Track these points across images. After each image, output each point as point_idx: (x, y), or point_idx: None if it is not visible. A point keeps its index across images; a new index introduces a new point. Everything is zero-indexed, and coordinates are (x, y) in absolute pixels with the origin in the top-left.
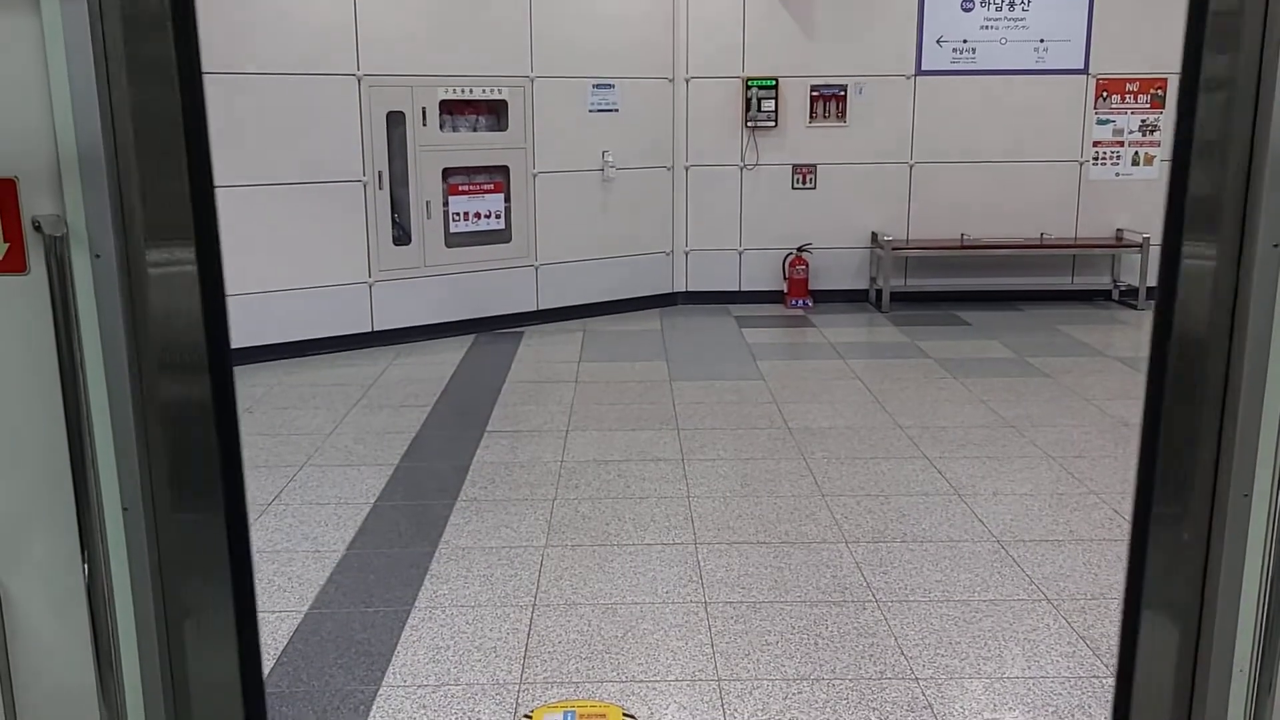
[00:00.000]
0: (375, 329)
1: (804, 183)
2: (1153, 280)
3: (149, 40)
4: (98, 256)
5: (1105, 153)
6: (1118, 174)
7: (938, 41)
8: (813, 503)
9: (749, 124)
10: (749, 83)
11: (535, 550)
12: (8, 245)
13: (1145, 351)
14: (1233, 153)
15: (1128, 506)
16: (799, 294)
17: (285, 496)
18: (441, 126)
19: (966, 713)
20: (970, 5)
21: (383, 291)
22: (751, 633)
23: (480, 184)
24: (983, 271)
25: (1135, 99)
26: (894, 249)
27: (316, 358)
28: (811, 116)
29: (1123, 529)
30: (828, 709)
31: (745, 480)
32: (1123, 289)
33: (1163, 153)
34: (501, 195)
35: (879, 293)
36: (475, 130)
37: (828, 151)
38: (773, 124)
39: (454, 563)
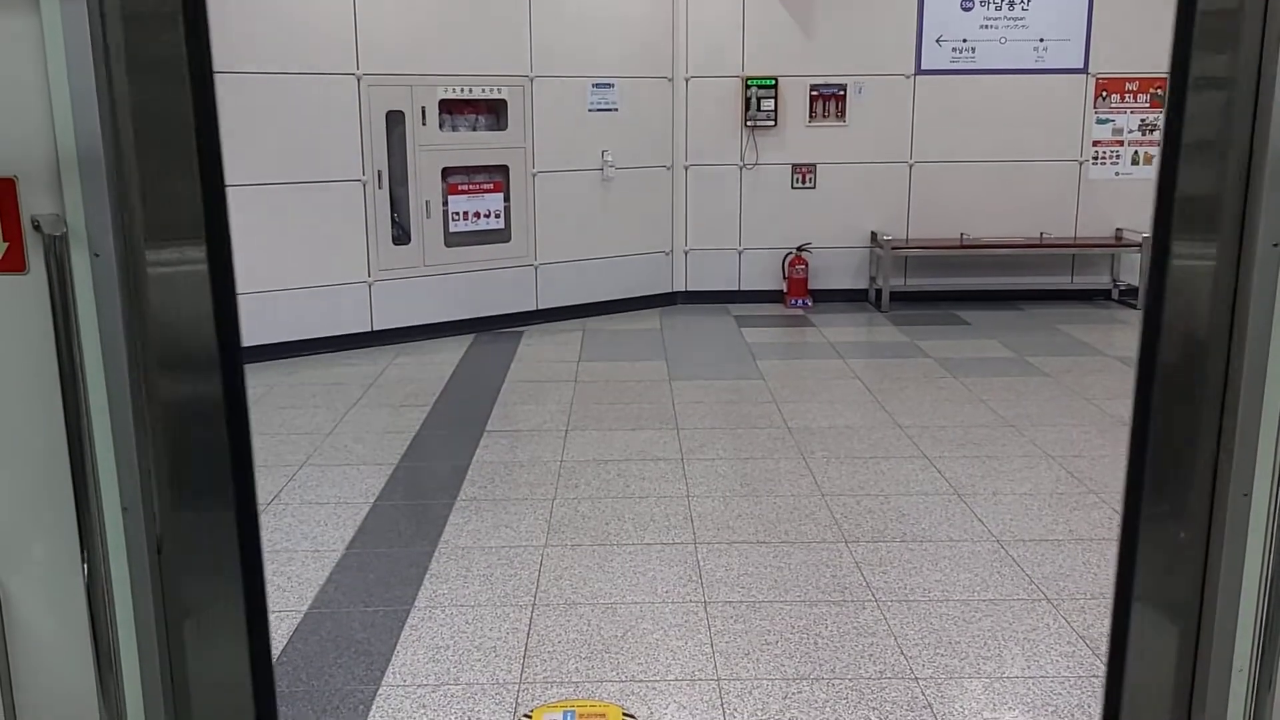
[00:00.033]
0: (374, 328)
1: (803, 182)
2: None
3: (160, 38)
4: (97, 256)
5: (1105, 152)
6: (1117, 173)
7: (937, 41)
8: (812, 502)
9: (748, 123)
10: (748, 82)
11: (535, 550)
12: (7, 245)
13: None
14: (1228, 152)
15: None
16: (798, 294)
17: (284, 496)
18: (441, 126)
19: (966, 712)
20: (970, 4)
21: (382, 291)
22: (751, 632)
23: (480, 183)
24: (982, 271)
25: (1135, 98)
26: (894, 248)
27: (316, 357)
28: (811, 116)
29: None
30: (827, 708)
31: (745, 480)
32: (1122, 288)
33: None
34: (501, 195)
35: (879, 292)
36: (475, 130)
37: (827, 151)
38: (772, 123)
39: (453, 562)
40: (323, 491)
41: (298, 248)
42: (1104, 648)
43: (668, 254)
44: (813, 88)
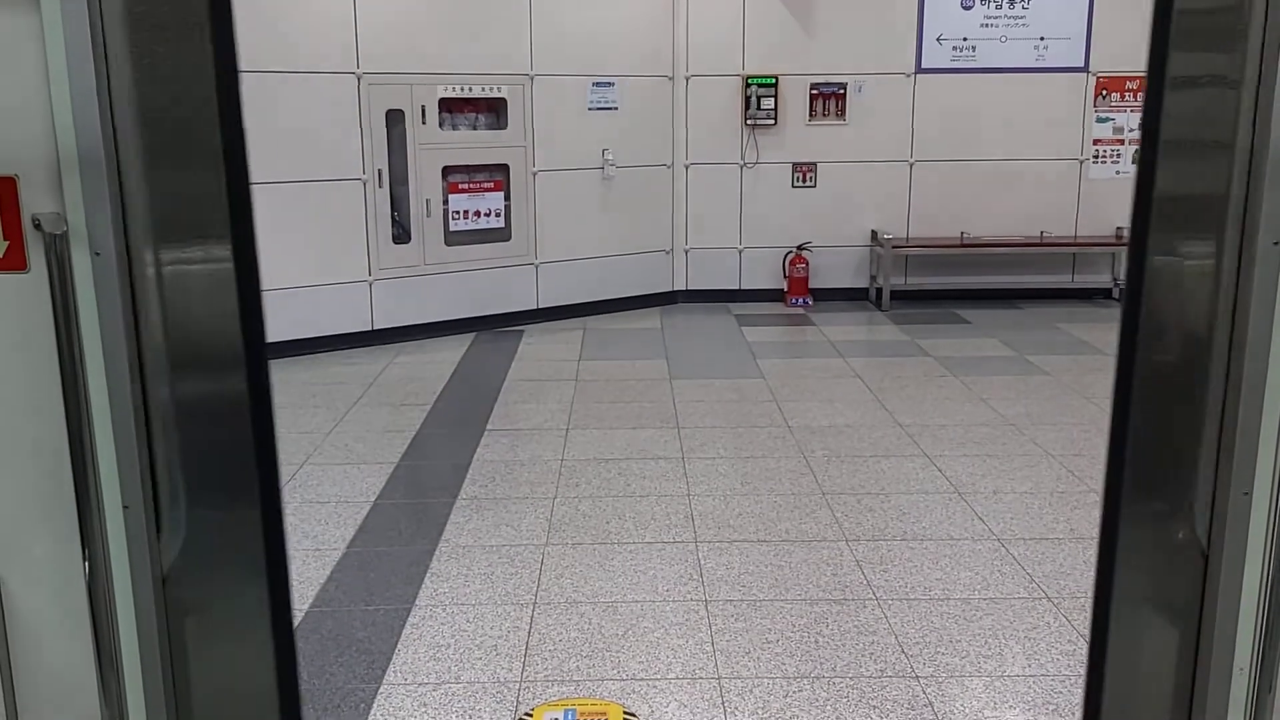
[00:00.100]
0: (375, 327)
1: (804, 181)
2: None
3: (188, 38)
4: (98, 254)
5: (1105, 151)
6: (1118, 172)
7: (938, 39)
8: (813, 501)
9: (749, 122)
10: (749, 81)
11: (536, 548)
12: (8, 243)
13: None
14: (1211, 150)
15: None
16: (799, 292)
17: (285, 495)
18: (441, 125)
19: (967, 711)
20: (970, 3)
21: (382, 290)
22: (752, 631)
23: (480, 182)
24: (983, 270)
25: (1135, 97)
26: (894, 247)
27: (316, 356)
28: (811, 115)
29: None
30: (828, 707)
31: (745, 479)
32: (1123, 287)
33: None
34: (501, 193)
35: (879, 291)
36: (475, 128)
37: (828, 150)
38: (772, 122)
39: (454, 561)
40: (323, 490)
41: (298, 247)
42: None
43: (668, 253)
44: (813, 86)
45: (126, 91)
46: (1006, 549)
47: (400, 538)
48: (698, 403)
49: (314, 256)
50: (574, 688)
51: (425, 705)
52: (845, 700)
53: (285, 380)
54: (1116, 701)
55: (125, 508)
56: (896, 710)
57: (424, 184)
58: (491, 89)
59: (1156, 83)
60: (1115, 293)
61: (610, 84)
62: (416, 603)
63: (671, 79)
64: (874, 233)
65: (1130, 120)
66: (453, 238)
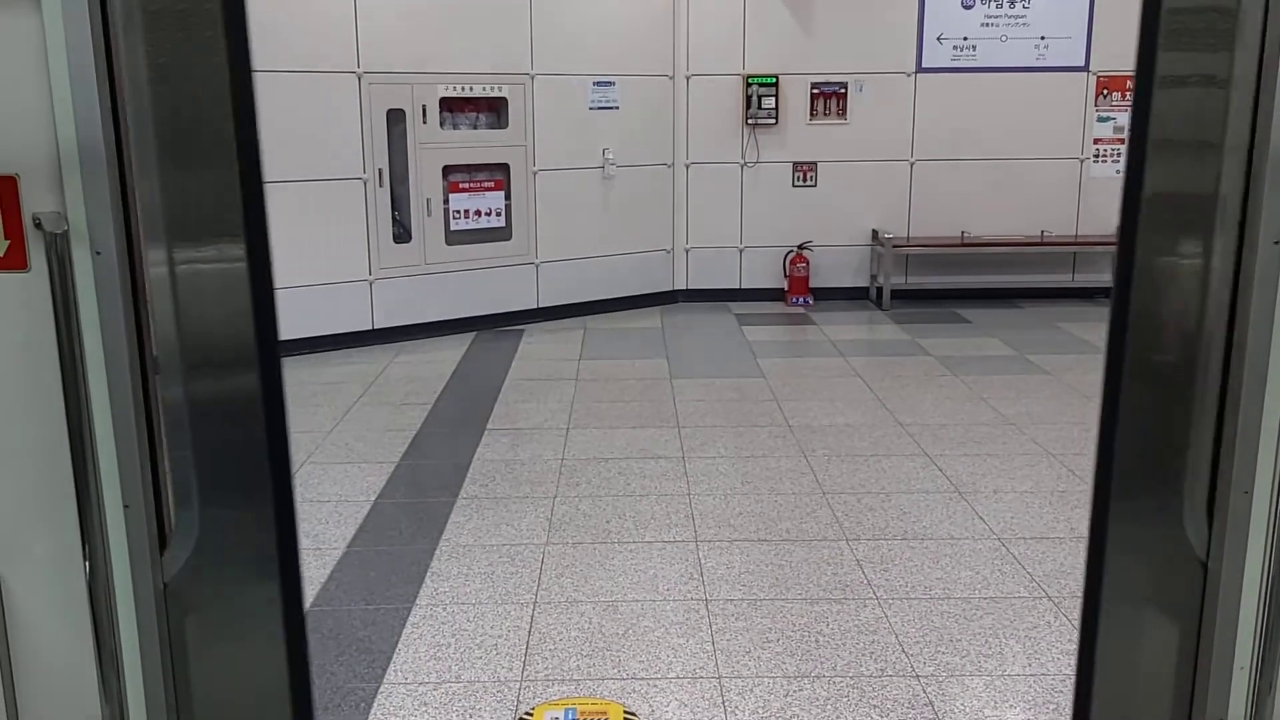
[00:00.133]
0: (375, 327)
1: (804, 180)
2: None
3: (204, 35)
4: (98, 254)
5: (1106, 150)
6: (1118, 171)
7: (938, 39)
8: (813, 500)
9: (749, 121)
10: (749, 80)
11: (536, 548)
12: (8, 242)
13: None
14: (1202, 149)
15: None
16: (800, 292)
17: None
18: (442, 124)
19: (967, 710)
20: (971, 2)
21: (383, 289)
22: (752, 630)
23: (480, 181)
24: (983, 269)
25: None
26: (895, 246)
27: (316, 355)
28: (812, 114)
29: None
30: (828, 706)
31: (746, 478)
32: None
33: None
34: (502, 193)
35: (879, 290)
36: (475, 128)
37: (828, 149)
38: (773, 121)
39: (455, 560)
40: (324, 489)
41: (298, 246)
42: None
43: (668, 252)
44: (814, 86)
45: (140, 89)
46: (1007, 548)
47: (401, 537)
48: (698, 402)
49: (315, 256)
50: (574, 687)
51: (425, 704)
52: (845, 699)
53: (286, 379)
54: (1105, 702)
55: (126, 507)
56: (897, 709)
57: (424, 183)
58: (492, 88)
59: (1145, 82)
60: None
61: (611, 83)
62: (417, 602)
63: (672, 78)
64: (874, 232)
65: None
66: (453, 237)
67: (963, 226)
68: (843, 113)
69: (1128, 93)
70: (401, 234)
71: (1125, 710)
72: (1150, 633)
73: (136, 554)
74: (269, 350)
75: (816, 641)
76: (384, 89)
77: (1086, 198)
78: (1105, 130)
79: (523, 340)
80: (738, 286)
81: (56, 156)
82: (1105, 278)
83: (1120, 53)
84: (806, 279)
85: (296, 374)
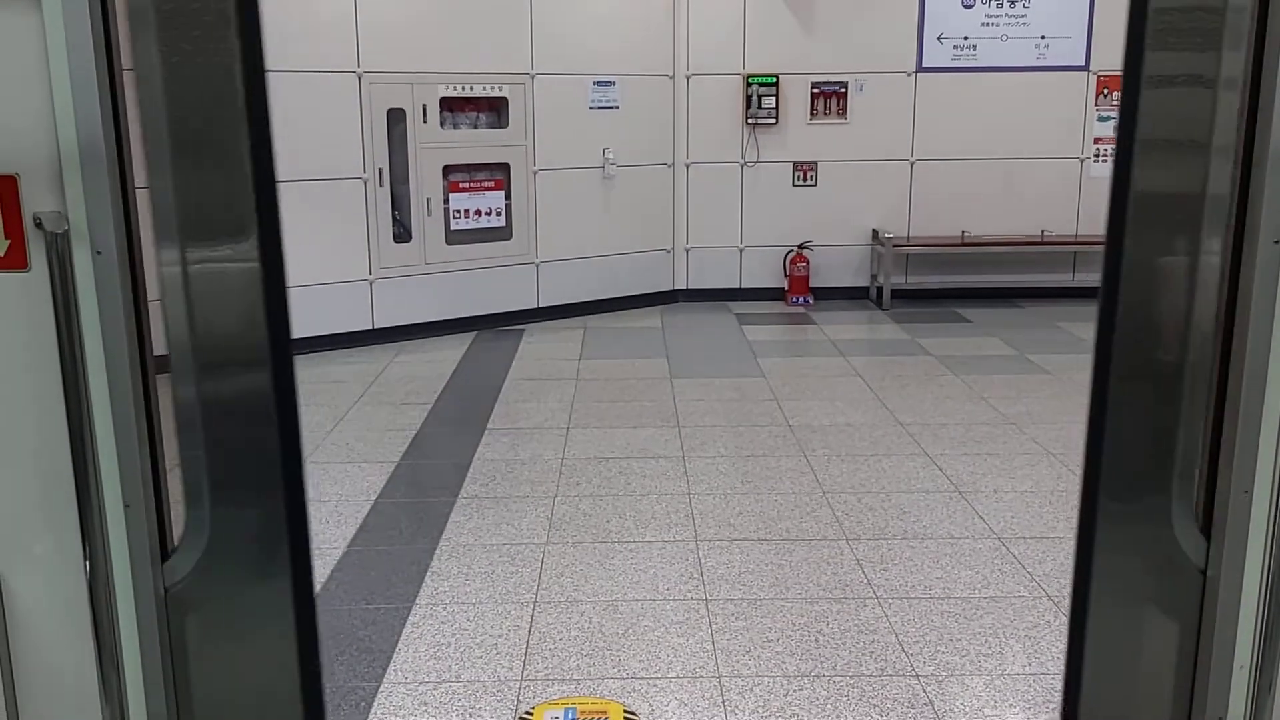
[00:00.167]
0: (376, 326)
1: (805, 180)
2: None
3: (217, 36)
4: (99, 253)
5: (1106, 149)
6: None
7: (938, 38)
8: (813, 500)
9: (750, 121)
10: (749, 79)
11: (536, 547)
12: (9, 242)
13: None
14: (1190, 148)
15: None
16: (800, 291)
17: None
18: (442, 124)
19: (967, 709)
20: (971, 2)
21: (383, 289)
22: (752, 630)
23: (481, 181)
24: (983, 268)
25: None
26: (895, 246)
27: (316, 355)
28: (812, 113)
29: None
30: (828, 706)
31: (746, 477)
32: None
33: None
34: (502, 192)
35: (880, 290)
36: (476, 127)
37: (828, 148)
38: (773, 121)
39: (455, 560)
40: (324, 489)
41: (298, 246)
42: None
43: (669, 252)
44: (814, 85)
45: (154, 89)
46: (1007, 547)
47: (401, 536)
48: (698, 401)
49: (315, 255)
50: (574, 686)
51: (425, 704)
52: (845, 699)
53: None
54: (1094, 701)
55: (126, 506)
56: (897, 709)
57: (425, 183)
58: (492, 88)
59: (1132, 82)
60: None
61: (611, 83)
62: (417, 601)
63: (672, 78)
64: (875, 231)
65: None
66: (453, 237)
67: (963, 226)
68: (843, 112)
69: None
70: (402, 234)
71: (1120, 710)
72: (1139, 632)
73: (137, 553)
74: (282, 349)
75: (816, 641)
76: (384, 88)
77: (1087, 197)
78: (1105, 130)
79: (523, 340)
80: (738, 286)
81: (57, 156)
82: None
83: (1120, 52)
84: (807, 278)
85: (297, 373)
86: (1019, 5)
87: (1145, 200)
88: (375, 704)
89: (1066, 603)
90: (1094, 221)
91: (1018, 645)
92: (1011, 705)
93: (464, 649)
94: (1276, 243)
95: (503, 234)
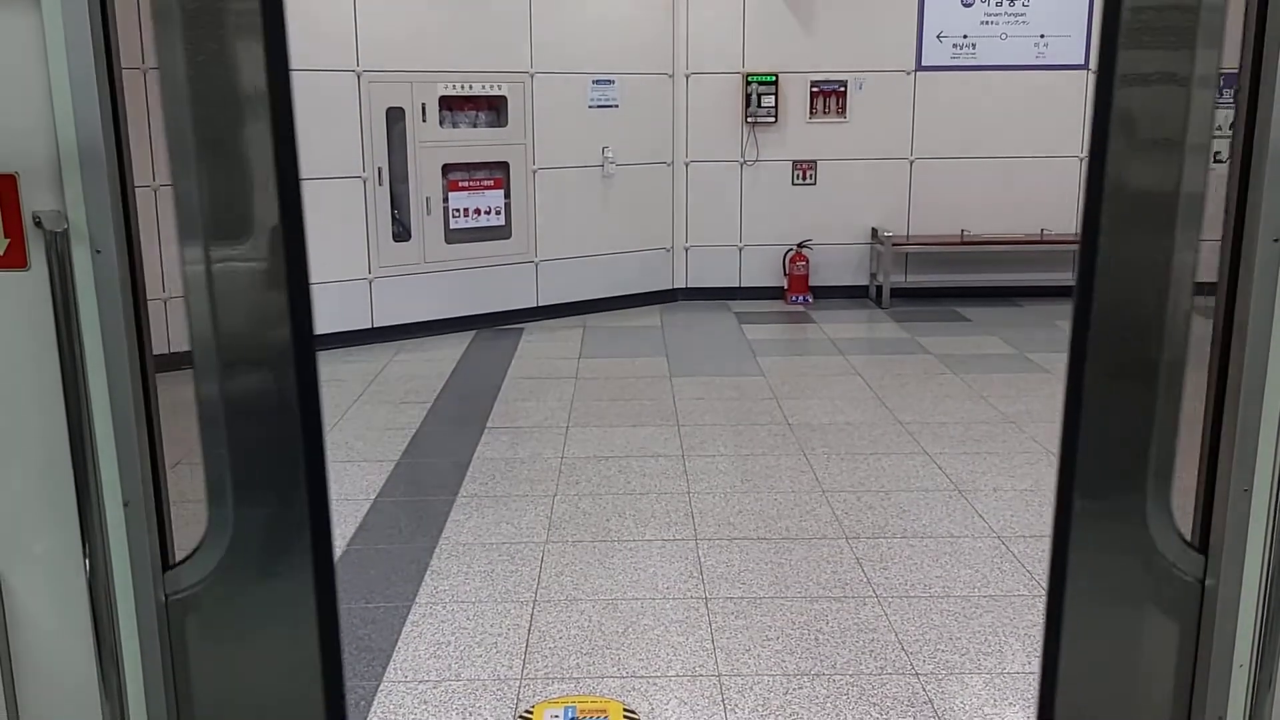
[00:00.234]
0: (375, 325)
1: (804, 179)
2: None
3: (242, 34)
4: (98, 252)
5: None
6: None
7: (938, 37)
8: (813, 498)
9: (749, 120)
10: (749, 78)
11: (536, 546)
12: (8, 241)
13: None
14: (1166, 147)
15: None
16: (799, 290)
17: None
18: (441, 123)
19: (967, 708)
20: (970, 1)
21: (383, 288)
22: (752, 628)
23: (480, 180)
24: (983, 267)
25: None
26: (894, 245)
27: (317, 354)
28: (812, 112)
29: None
30: (828, 704)
31: (745, 476)
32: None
33: None
34: (501, 191)
35: (879, 289)
36: (475, 126)
37: (828, 147)
38: (773, 120)
39: (455, 559)
40: None
41: None
42: None
43: (668, 250)
44: (813, 84)
45: (179, 87)
46: (1006, 546)
47: (400, 535)
48: (698, 400)
49: (314, 254)
50: (574, 685)
51: (425, 703)
52: (845, 697)
53: None
54: (1070, 702)
55: (126, 504)
56: (896, 707)
57: (424, 182)
58: (492, 87)
59: (1106, 80)
60: None
61: (610, 81)
62: (417, 600)
63: (672, 76)
64: (874, 230)
65: None
66: (453, 235)
67: (962, 225)
68: (842, 111)
69: None
70: (401, 232)
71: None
72: (1114, 631)
73: (137, 552)
74: (305, 346)
75: (816, 639)
76: (383, 87)
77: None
78: None
79: (522, 338)
80: (737, 285)
81: (56, 155)
82: None
83: None
84: (806, 277)
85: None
86: (1018, 4)
87: (1120, 199)
88: (375, 702)
89: None
90: None
91: (1017, 644)
92: (1011, 704)
93: (464, 648)
94: (1276, 241)
95: (502, 233)
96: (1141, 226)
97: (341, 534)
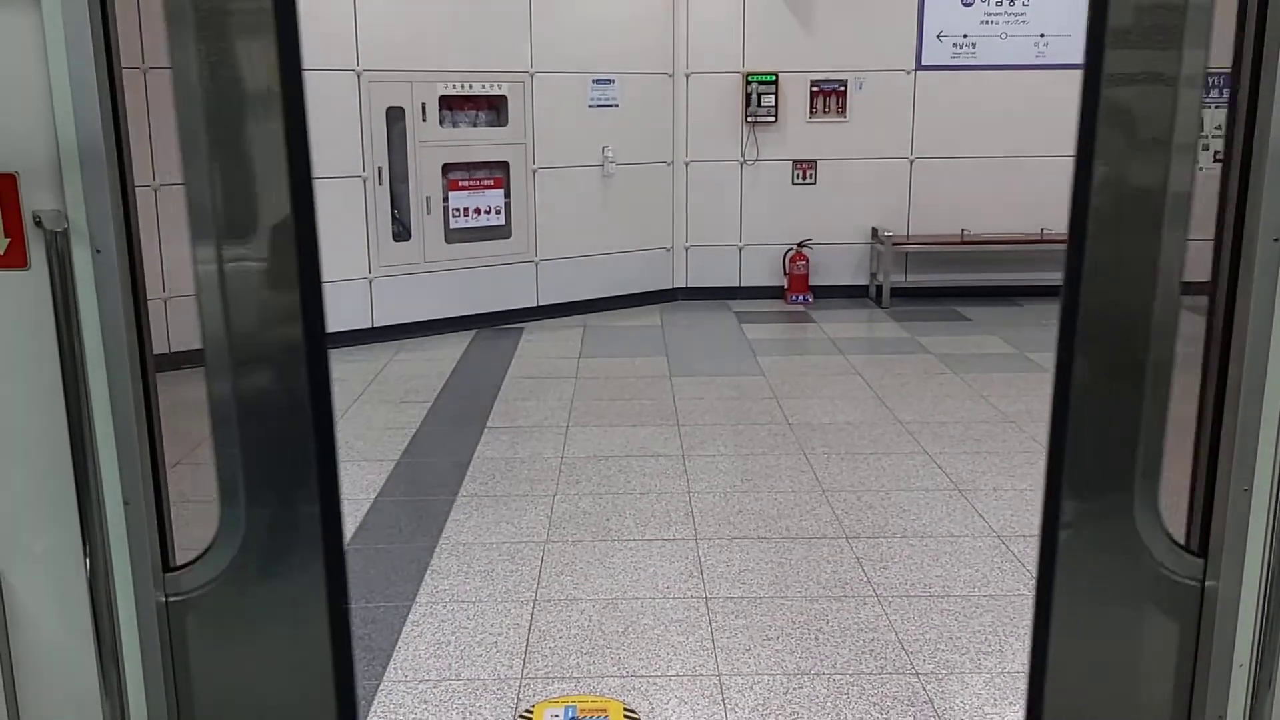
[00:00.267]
0: (375, 325)
1: (804, 178)
2: None
3: (255, 35)
4: (99, 252)
5: None
6: None
7: (938, 36)
8: (813, 498)
9: (749, 119)
10: (749, 78)
11: (536, 545)
12: (9, 240)
13: None
14: (1153, 146)
15: None
16: (799, 290)
17: None
18: (441, 122)
19: (967, 708)
20: (970, 0)
21: (383, 287)
22: (752, 628)
23: (480, 180)
24: (983, 267)
25: None
26: (894, 244)
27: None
28: (812, 112)
29: None
30: (828, 704)
31: (745, 476)
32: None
33: None
34: (501, 191)
35: (879, 288)
36: (475, 126)
37: (828, 147)
38: (773, 119)
39: (455, 558)
40: None
41: None
42: None
43: (668, 250)
44: (813, 83)
45: (191, 87)
46: (1007, 546)
47: (401, 535)
48: (698, 400)
49: None
50: (574, 685)
51: (426, 702)
52: (845, 697)
53: None
54: (1058, 702)
55: (126, 503)
56: (897, 707)
57: (424, 181)
58: (492, 86)
59: (1093, 80)
60: None
61: (610, 81)
62: (417, 600)
63: (672, 76)
64: (874, 230)
65: None
66: (453, 235)
67: (962, 224)
68: (842, 110)
69: None
70: (401, 232)
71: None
72: (1103, 631)
73: (137, 551)
74: (317, 345)
75: (816, 639)
76: (383, 87)
77: None
78: None
79: (522, 338)
80: (737, 284)
81: (56, 155)
82: None
83: None
84: (806, 277)
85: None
86: (1018, 3)
87: (1107, 199)
88: (375, 702)
89: None
90: None
91: (1017, 643)
92: (1011, 703)
93: (464, 647)
94: (1276, 241)
95: (502, 232)
96: (1129, 227)
97: None
